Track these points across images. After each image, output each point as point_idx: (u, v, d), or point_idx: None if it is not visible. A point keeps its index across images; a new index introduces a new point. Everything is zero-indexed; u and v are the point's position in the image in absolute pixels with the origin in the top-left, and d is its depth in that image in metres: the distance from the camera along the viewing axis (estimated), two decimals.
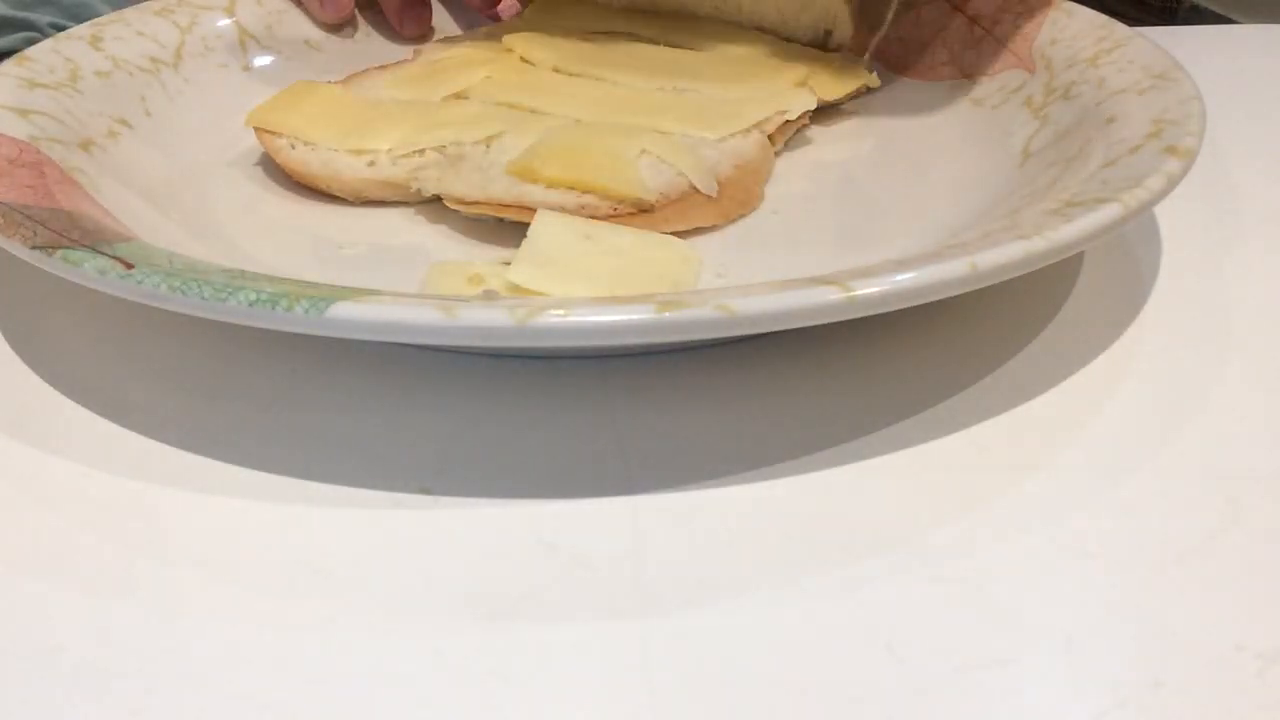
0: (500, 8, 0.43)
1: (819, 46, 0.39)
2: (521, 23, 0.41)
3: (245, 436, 0.25)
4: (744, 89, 0.36)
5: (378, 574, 0.21)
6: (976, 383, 0.26)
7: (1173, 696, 0.19)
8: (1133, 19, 0.36)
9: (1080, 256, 0.30)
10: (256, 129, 0.34)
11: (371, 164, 0.33)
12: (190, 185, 0.34)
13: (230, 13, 0.40)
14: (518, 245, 0.28)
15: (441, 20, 0.44)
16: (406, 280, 0.29)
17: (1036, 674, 0.19)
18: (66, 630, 0.20)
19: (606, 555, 0.22)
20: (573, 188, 0.31)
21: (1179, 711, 0.18)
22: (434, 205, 0.33)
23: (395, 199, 0.33)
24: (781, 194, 0.33)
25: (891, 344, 0.27)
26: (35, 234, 0.25)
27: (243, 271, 0.24)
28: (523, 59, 0.37)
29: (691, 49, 0.38)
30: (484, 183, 0.31)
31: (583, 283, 0.27)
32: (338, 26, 0.42)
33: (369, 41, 0.42)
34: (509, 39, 0.38)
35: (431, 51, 0.39)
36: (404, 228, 0.32)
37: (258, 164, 0.35)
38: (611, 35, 0.39)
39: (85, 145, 0.32)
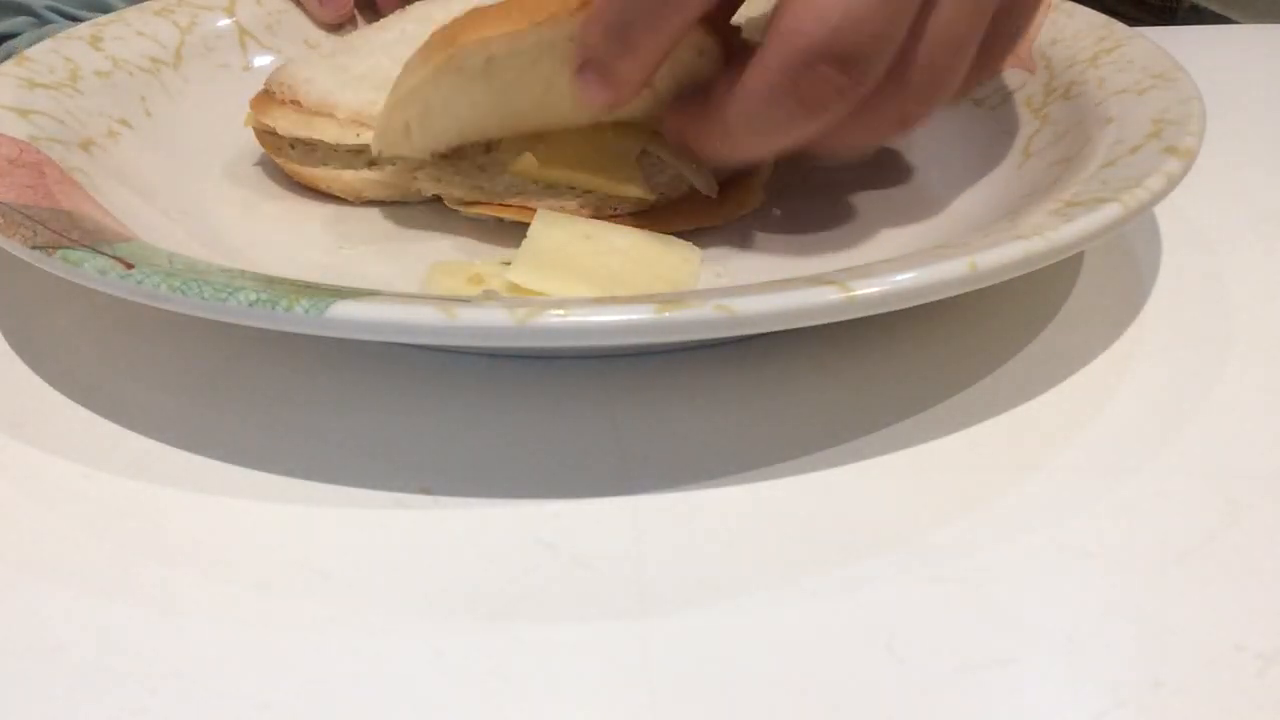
0: None
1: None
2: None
3: (245, 436, 0.25)
4: None
5: (378, 574, 0.21)
6: (977, 383, 0.26)
7: (1173, 696, 0.19)
8: (1133, 19, 0.36)
9: (1080, 256, 0.30)
10: (255, 130, 0.34)
11: (371, 164, 0.33)
12: (190, 185, 0.34)
13: (230, 13, 0.40)
14: (518, 245, 0.28)
15: None
16: (407, 280, 0.30)
17: (1036, 674, 0.19)
18: (66, 630, 0.20)
19: (606, 555, 0.22)
20: (573, 187, 0.31)
21: (1179, 711, 0.18)
22: (434, 205, 0.33)
23: (395, 199, 0.33)
24: (781, 194, 0.33)
25: (892, 344, 0.27)
26: (35, 234, 0.25)
27: (242, 271, 0.24)
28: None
29: None
30: (484, 182, 0.31)
31: (583, 283, 0.27)
32: (337, 26, 0.42)
33: None
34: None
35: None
36: (404, 228, 0.32)
37: (257, 164, 0.35)
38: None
39: (85, 145, 0.32)
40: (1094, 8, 0.37)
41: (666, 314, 0.21)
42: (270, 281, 0.23)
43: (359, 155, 0.33)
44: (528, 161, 0.31)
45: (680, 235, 0.30)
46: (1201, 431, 0.25)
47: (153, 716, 0.19)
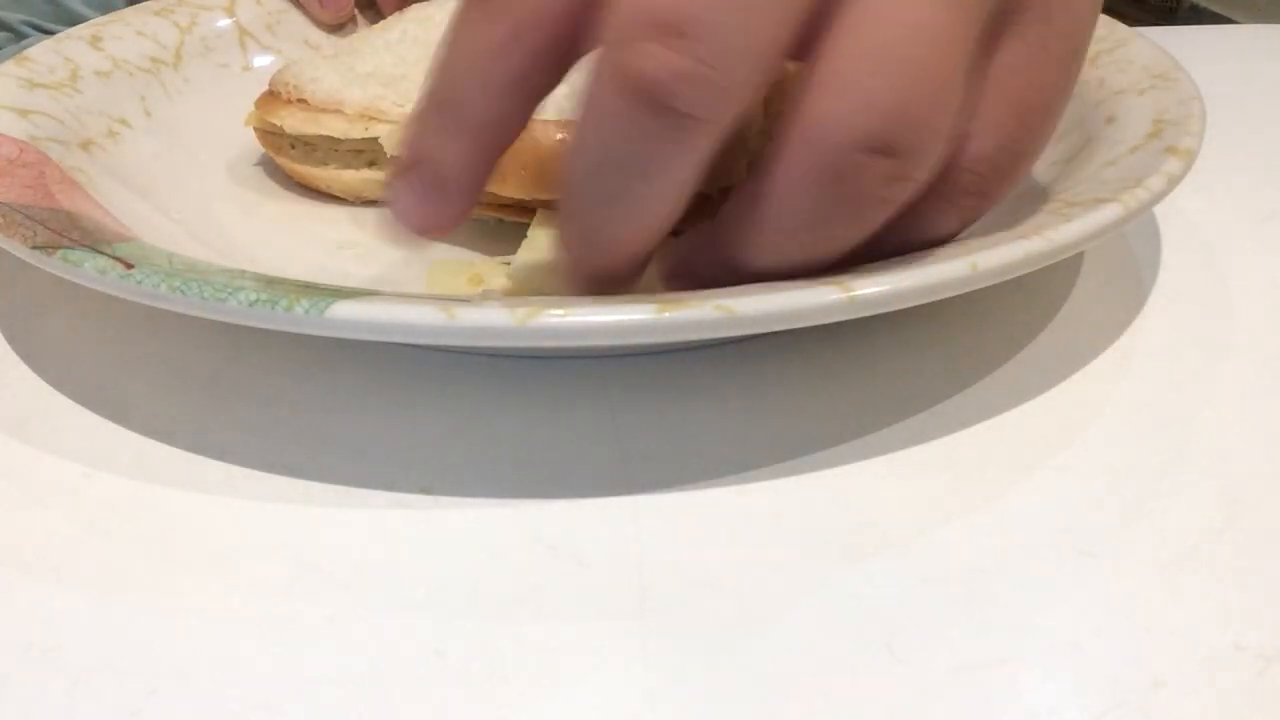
0: None
1: None
2: None
3: (245, 436, 0.25)
4: None
5: (378, 574, 0.21)
6: (977, 382, 0.26)
7: (1173, 696, 0.19)
8: (1132, 19, 0.36)
9: (1080, 256, 0.30)
10: (257, 129, 0.34)
11: (372, 164, 0.33)
12: (190, 185, 0.34)
13: (230, 13, 0.40)
14: (518, 245, 0.28)
15: None
16: (408, 280, 0.30)
17: (1036, 674, 0.19)
18: (66, 630, 0.20)
19: (607, 555, 0.22)
20: None
21: (1179, 711, 0.18)
22: None
23: None
24: None
25: (892, 343, 0.27)
26: (35, 234, 0.25)
27: (243, 271, 0.24)
28: None
29: None
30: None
31: None
32: (338, 27, 0.42)
33: None
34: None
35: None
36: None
37: (258, 164, 0.35)
38: None
39: (85, 145, 0.32)
40: None
41: (667, 314, 0.21)
42: (270, 281, 0.23)
43: (359, 155, 0.33)
44: (520, 179, 0.30)
45: (679, 233, 0.30)
46: (1201, 431, 0.25)
47: (153, 716, 0.19)
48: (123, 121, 0.35)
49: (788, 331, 0.27)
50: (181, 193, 0.33)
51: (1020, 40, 0.22)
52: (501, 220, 0.31)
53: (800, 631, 0.20)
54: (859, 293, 0.22)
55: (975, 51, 0.21)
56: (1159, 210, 0.31)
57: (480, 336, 0.21)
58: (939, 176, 0.22)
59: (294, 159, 0.34)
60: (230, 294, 0.22)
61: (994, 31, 0.21)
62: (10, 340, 0.28)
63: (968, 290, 0.23)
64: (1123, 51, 0.33)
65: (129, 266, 0.23)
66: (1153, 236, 0.32)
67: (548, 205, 0.30)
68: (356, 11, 0.43)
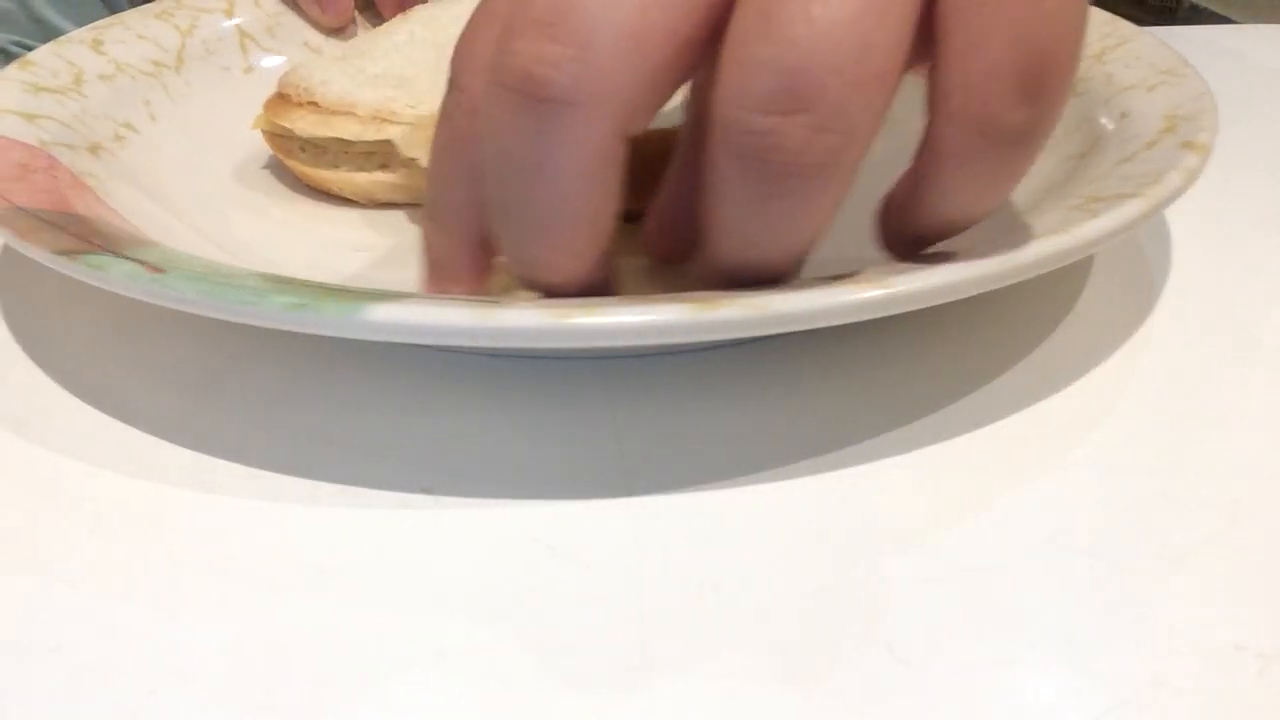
0: None
1: None
2: None
3: (245, 436, 0.25)
4: None
5: (378, 574, 0.21)
6: (979, 384, 0.26)
7: (1173, 696, 0.19)
8: (1132, 19, 0.36)
9: (1091, 256, 0.30)
10: (265, 132, 0.34)
11: (383, 166, 0.33)
12: (200, 189, 0.34)
13: (230, 15, 0.41)
14: None
15: None
16: None
17: (1036, 674, 0.19)
18: (66, 630, 0.20)
19: (607, 555, 0.22)
20: None
21: (1179, 711, 0.18)
22: None
23: (408, 201, 0.33)
24: None
25: (898, 345, 0.27)
26: (58, 239, 0.25)
27: (273, 275, 0.24)
28: None
29: None
30: None
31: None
32: (338, 30, 0.42)
33: None
34: None
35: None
36: (414, 229, 0.32)
37: (265, 167, 0.35)
38: None
39: (93, 149, 0.32)
40: (1095, 6, 0.37)
41: (704, 314, 0.21)
42: (302, 285, 0.23)
43: (370, 157, 0.33)
44: None
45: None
46: (1201, 431, 0.25)
47: (152, 716, 0.19)
48: (128, 126, 0.34)
49: (791, 332, 0.27)
50: (193, 197, 0.33)
51: None
52: None
53: (800, 631, 0.20)
54: (898, 289, 0.22)
55: None
56: (1167, 209, 0.31)
57: (517, 337, 0.21)
58: (946, 117, 0.20)
59: (304, 162, 0.34)
60: (264, 298, 0.22)
61: None
62: (16, 336, 0.29)
63: (1001, 286, 0.23)
64: (1128, 48, 0.33)
65: (158, 271, 0.23)
66: (1163, 236, 0.32)
67: None
68: (356, 14, 0.43)
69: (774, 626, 0.20)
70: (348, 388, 0.26)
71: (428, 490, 0.23)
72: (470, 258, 0.24)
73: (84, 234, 0.25)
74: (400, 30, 0.37)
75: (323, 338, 0.26)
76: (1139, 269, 0.30)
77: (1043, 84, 0.20)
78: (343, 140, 0.33)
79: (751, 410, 0.25)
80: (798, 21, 0.19)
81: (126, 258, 0.24)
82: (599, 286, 0.23)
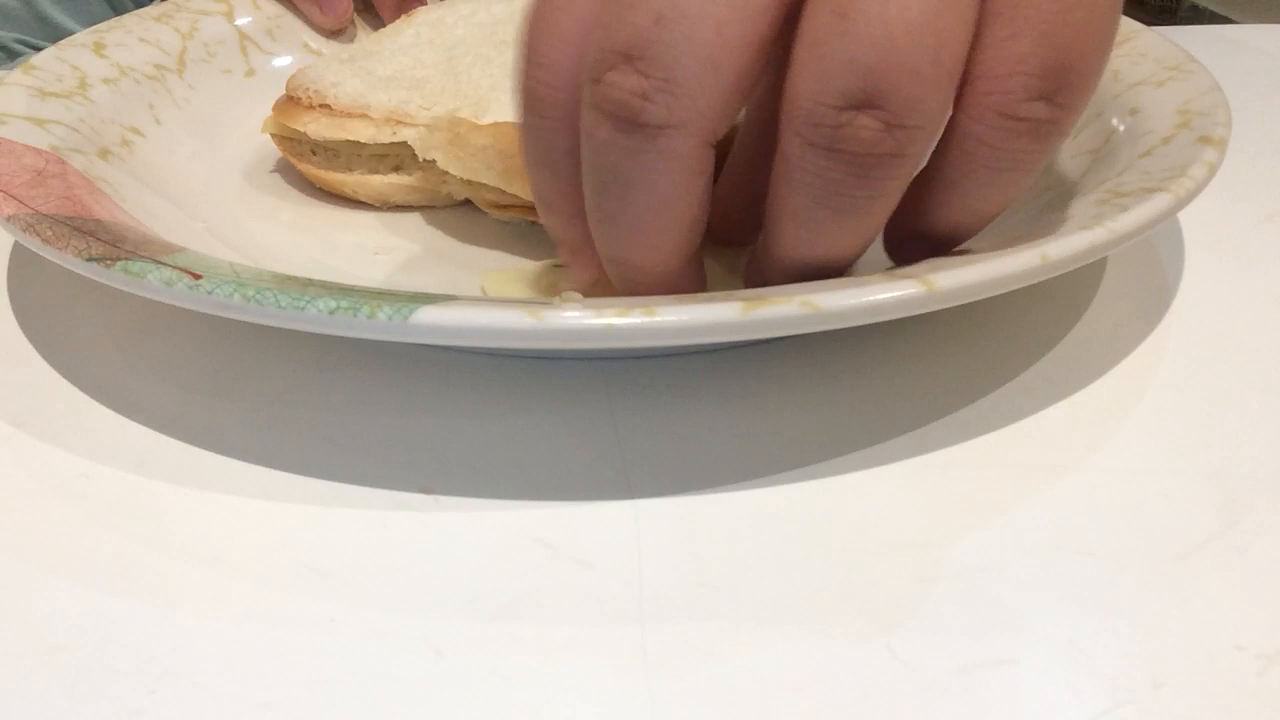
0: None
1: None
2: None
3: (246, 435, 0.25)
4: None
5: (378, 574, 0.21)
6: (984, 388, 0.26)
7: (1173, 696, 0.19)
8: (1133, 19, 0.36)
9: (1104, 259, 0.30)
10: (274, 135, 0.34)
11: (397, 168, 0.33)
12: (210, 193, 0.34)
13: (230, 17, 0.41)
14: (551, 247, 0.28)
15: None
16: (455, 283, 0.29)
17: (1036, 674, 0.19)
18: (66, 629, 0.20)
19: (607, 556, 0.22)
20: None
21: (1179, 711, 0.18)
22: (460, 209, 0.33)
23: (423, 203, 0.33)
24: None
25: (905, 347, 0.27)
26: (89, 246, 0.24)
27: (311, 280, 0.23)
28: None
29: None
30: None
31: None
32: (338, 32, 0.42)
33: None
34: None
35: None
36: (432, 231, 0.32)
37: (274, 170, 0.35)
38: None
39: (103, 154, 0.32)
40: None
41: (755, 312, 0.21)
42: (344, 289, 0.22)
43: (383, 160, 0.33)
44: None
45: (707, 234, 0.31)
46: (1203, 431, 0.25)
47: (152, 716, 0.19)
48: (135, 130, 0.34)
49: (792, 335, 0.27)
50: (205, 202, 0.33)
51: None
52: (533, 222, 0.31)
53: (800, 632, 0.20)
54: (939, 286, 0.22)
55: None
56: None
57: (569, 339, 0.21)
58: (970, 104, 0.21)
59: (317, 165, 0.34)
60: (307, 303, 0.22)
61: None
62: (26, 333, 0.29)
63: (1039, 280, 0.23)
64: (1133, 44, 0.34)
65: (196, 277, 0.23)
66: (1175, 235, 0.32)
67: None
68: (355, 15, 0.43)
69: (774, 626, 0.20)
70: (348, 388, 0.27)
71: (427, 490, 0.23)
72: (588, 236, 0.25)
73: (112, 240, 0.25)
74: (406, 32, 0.37)
75: (323, 337, 0.26)
76: (1153, 267, 0.30)
77: (1065, 83, 0.21)
78: (355, 143, 0.33)
79: (751, 411, 0.25)
80: (875, 22, 0.20)
81: (163, 264, 0.23)
82: (691, 281, 0.24)
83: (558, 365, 0.27)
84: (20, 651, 0.20)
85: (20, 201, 0.27)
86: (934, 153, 0.23)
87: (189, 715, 0.19)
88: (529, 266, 0.29)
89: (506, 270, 0.29)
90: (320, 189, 0.34)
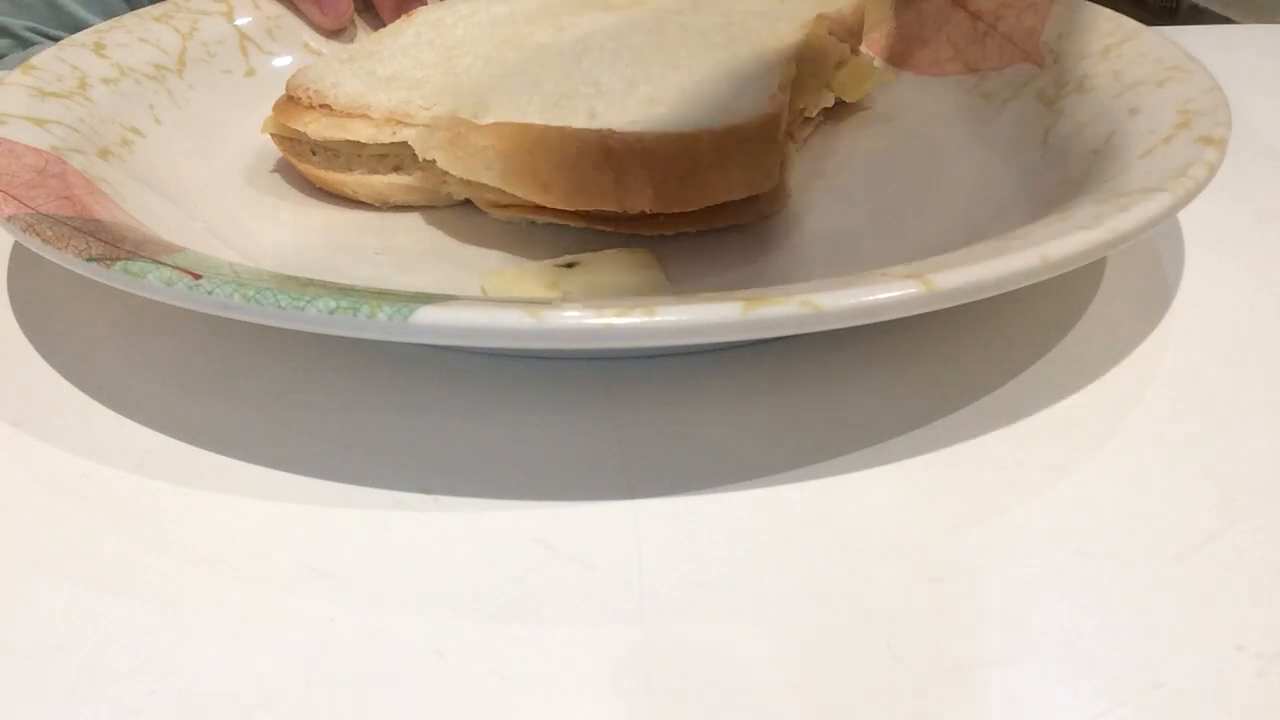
0: None
1: None
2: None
3: (246, 435, 0.25)
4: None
5: (378, 574, 0.21)
6: (985, 388, 0.26)
7: (1173, 696, 0.19)
8: (1133, 19, 0.36)
9: (1104, 259, 0.30)
10: (275, 135, 0.34)
11: (397, 168, 0.33)
12: (209, 193, 0.34)
13: (229, 17, 0.41)
14: (553, 247, 0.28)
15: None
16: (455, 283, 0.29)
17: (1036, 674, 0.19)
18: (66, 629, 0.20)
19: (607, 556, 0.22)
20: None
21: (1179, 711, 0.18)
22: (460, 209, 0.33)
23: (423, 203, 0.33)
24: (807, 190, 0.34)
25: (906, 348, 0.27)
26: (89, 246, 0.24)
27: (311, 280, 0.23)
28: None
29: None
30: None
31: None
32: (338, 32, 0.42)
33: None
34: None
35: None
36: (432, 231, 0.32)
37: (274, 170, 0.35)
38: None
39: (103, 154, 0.32)
40: (1096, 5, 0.37)
41: (754, 312, 0.21)
42: (344, 289, 0.22)
43: (383, 160, 0.33)
44: (563, 190, 0.30)
45: (712, 232, 0.31)
46: (1203, 431, 0.25)
47: (152, 716, 0.19)
48: (135, 130, 0.34)
49: (791, 335, 0.27)
50: (204, 202, 0.33)
51: None
52: (533, 222, 0.31)
53: (800, 631, 0.20)
54: (938, 286, 0.22)
55: None
56: None
57: (569, 338, 0.21)
58: None
59: (317, 165, 0.34)
60: (308, 303, 0.22)
61: None
62: (25, 332, 0.29)
63: (1039, 280, 0.23)
64: (1132, 45, 0.34)
65: (196, 276, 0.23)
66: (1175, 236, 0.32)
67: (590, 217, 0.30)
68: (355, 16, 0.43)
69: (774, 627, 0.20)
70: (348, 388, 0.27)
71: (427, 490, 0.23)
72: None
73: (112, 240, 0.25)
74: (406, 32, 0.37)
75: (323, 337, 0.26)
76: (1153, 268, 0.30)
77: None
78: (356, 143, 0.33)
79: (751, 411, 0.25)
80: None
81: (163, 264, 0.23)
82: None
83: (558, 365, 0.27)
84: (20, 651, 0.20)
85: (20, 201, 0.27)
86: None
87: (189, 715, 0.19)
88: (529, 266, 0.29)
89: (506, 270, 0.29)
90: (320, 189, 0.34)
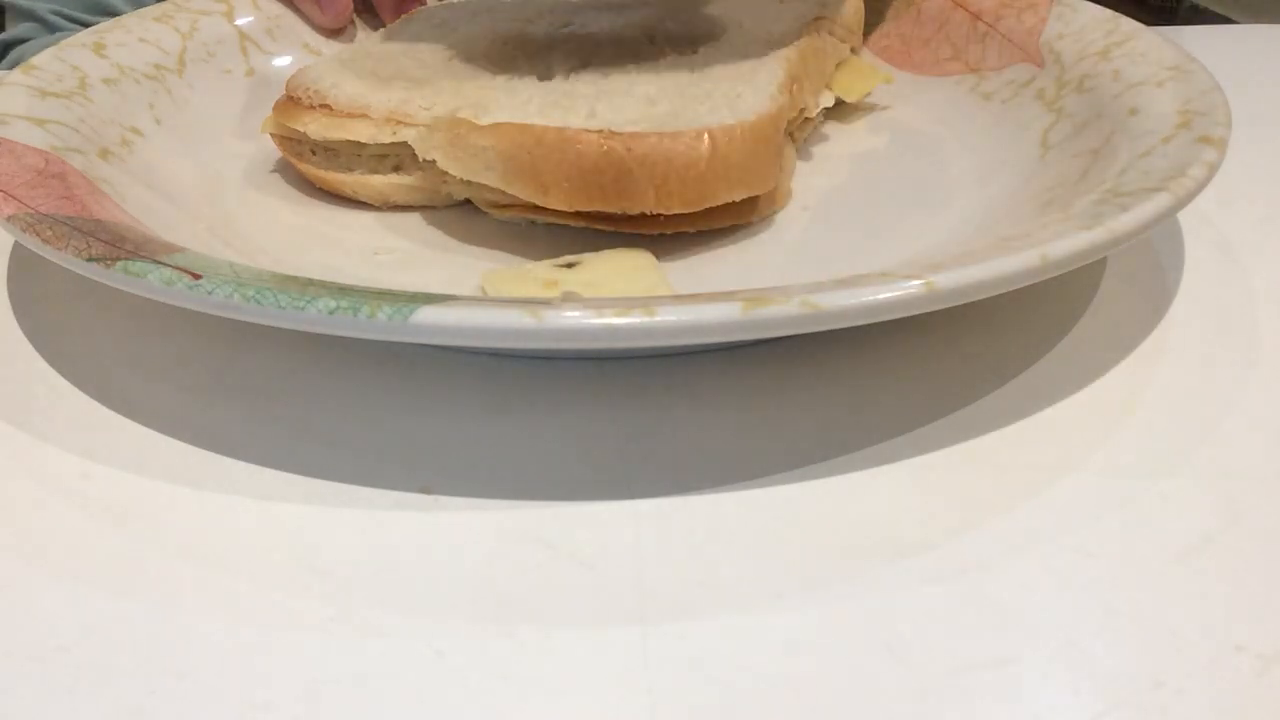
0: None
1: None
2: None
3: (246, 435, 0.25)
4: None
5: (378, 574, 0.21)
6: (984, 389, 0.26)
7: (1173, 696, 0.19)
8: (1132, 19, 0.36)
9: (1104, 259, 0.30)
10: (275, 135, 0.34)
11: (397, 168, 0.33)
12: (210, 193, 0.33)
13: (229, 17, 0.41)
14: (553, 247, 0.28)
15: None
16: (455, 283, 0.29)
17: (1036, 674, 0.19)
18: (66, 629, 0.20)
19: (607, 556, 0.22)
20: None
21: (1179, 711, 0.18)
22: (460, 209, 0.33)
23: (423, 203, 0.33)
24: (806, 190, 0.34)
25: (905, 349, 0.27)
26: (89, 246, 0.24)
27: (311, 280, 0.23)
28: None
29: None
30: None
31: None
32: (337, 31, 0.42)
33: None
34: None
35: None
36: (432, 231, 0.32)
37: (274, 170, 0.35)
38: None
39: (103, 154, 0.32)
40: (1096, 4, 0.37)
41: (754, 312, 0.21)
42: (344, 289, 0.22)
43: (384, 160, 0.33)
44: (564, 191, 0.30)
45: (713, 232, 0.31)
46: (1201, 432, 0.25)
47: (152, 716, 0.19)
48: (135, 130, 0.34)
49: (792, 335, 0.27)
50: (204, 202, 0.33)
51: None
52: (534, 222, 0.31)
53: (800, 631, 0.20)
54: (938, 286, 0.22)
55: None
56: None
57: (569, 338, 0.21)
58: None
59: (316, 165, 0.34)
60: (308, 303, 0.22)
61: None
62: (24, 331, 0.29)
63: (1039, 280, 0.23)
64: (1132, 45, 0.34)
65: (195, 276, 0.23)
66: (1175, 236, 0.32)
67: (591, 217, 0.30)
68: (355, 16, 0.43)
69: (774, 627, 0.20)
70: (347, 387, 0.27)
71: (427, 490, 0.23)
72: None
73: (112, 240, 0.25)
74: (406, 32, 0.37)
75: (323, 337, 0.26)
76: (1153, 268, 0.30)
77: None
78: (356, 143, 0.33)
79: (751, 411, 0.25)
80: None
81: (163, 264, 0.23)
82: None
83: (558, 365, 0.27)
84: (20, 651, 0.20)
85: (20, 201, 0.27)
86: None
87: (189, 715, 0.19)
88: (529, 266, 0.29)
89: (506, 270, 0.29)
90: (320, 189, 0.34)
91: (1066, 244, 0.23)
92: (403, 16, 0.39)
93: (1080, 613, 0.20)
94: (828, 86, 0.37)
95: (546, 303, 0.22)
